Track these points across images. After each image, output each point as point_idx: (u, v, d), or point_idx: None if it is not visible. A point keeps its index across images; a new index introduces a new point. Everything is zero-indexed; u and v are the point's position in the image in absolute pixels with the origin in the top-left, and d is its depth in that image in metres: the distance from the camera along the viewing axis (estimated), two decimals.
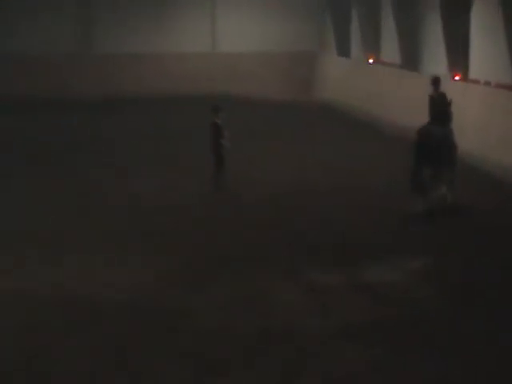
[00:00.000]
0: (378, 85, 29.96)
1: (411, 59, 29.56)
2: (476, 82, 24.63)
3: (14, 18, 35.86)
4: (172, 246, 14.03)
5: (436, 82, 16.52)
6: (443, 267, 12.80)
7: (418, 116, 25.26)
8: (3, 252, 13.63)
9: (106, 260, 13.16)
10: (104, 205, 16.87)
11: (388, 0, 30.65)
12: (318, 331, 10.24)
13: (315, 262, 13.04)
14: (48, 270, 12.67)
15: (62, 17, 36.44)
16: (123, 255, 13.41)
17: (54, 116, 29.87)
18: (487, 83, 24.42)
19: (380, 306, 11.17)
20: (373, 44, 32.95)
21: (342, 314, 10.83)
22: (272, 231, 14.90)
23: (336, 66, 35.95)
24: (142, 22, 37.09)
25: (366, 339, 9.97)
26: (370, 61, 32.13)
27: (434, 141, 15.58)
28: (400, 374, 9.12)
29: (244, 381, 9.01)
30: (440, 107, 16.19)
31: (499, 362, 9.42)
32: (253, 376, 9.08)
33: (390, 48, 31.04)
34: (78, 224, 15.39)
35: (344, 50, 36.13)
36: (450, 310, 10.98)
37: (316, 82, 36.72)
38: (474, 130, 22.05)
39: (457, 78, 24.54)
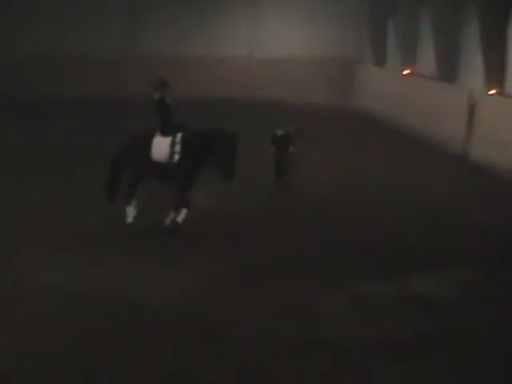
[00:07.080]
0: (414, 96, 30.11)
1: (448, 72, 29.57)
2: None
3: (67, 19, 36.74)
4: (223, 250, 14.28)
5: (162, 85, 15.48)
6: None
7: (451, 126, 25.49)
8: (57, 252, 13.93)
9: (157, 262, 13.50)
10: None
11: (427, 11, 30.76)
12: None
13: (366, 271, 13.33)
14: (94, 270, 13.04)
15: (112, 18, 37.41)
16: (175, 258, 13.72)
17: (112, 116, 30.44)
18: None
19: (424, 318, 11.28)
20: (409, 55, 33.10)
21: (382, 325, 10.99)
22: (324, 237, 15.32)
23: (373, 75, 36.14)
24: (187, 25, 37.84)
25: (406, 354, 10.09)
26: (406, 71, 32.22)
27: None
28: None
29: None
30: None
31: None
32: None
33: (427, 59, 31.12)
34: (130, 226, 15.60)
35: (380, 60, 36.31)
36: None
37: (353, 90, 36.97)
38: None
39: (493, 91, 24.59)
